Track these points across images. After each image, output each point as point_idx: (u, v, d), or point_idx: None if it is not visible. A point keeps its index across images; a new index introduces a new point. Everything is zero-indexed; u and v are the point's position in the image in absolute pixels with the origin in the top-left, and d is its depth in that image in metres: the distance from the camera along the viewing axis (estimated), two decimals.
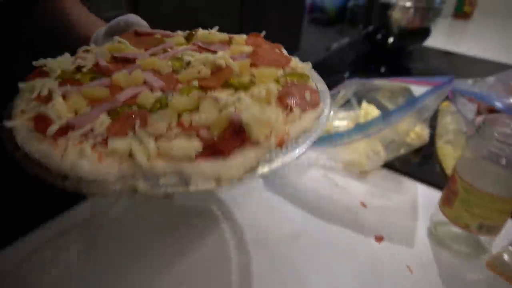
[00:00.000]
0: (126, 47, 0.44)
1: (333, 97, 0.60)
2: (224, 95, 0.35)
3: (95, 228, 0.49)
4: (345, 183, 0.58)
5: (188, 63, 0.40)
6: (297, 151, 0.31)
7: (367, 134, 0.50)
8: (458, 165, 0.44)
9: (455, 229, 0.45)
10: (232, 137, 0.30)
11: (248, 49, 0.44)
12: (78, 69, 0.39)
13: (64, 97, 0.33)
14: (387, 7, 1.01)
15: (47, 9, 0.54)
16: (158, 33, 0.49)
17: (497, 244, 0.46)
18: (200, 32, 0.49)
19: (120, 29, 0.51)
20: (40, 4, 0.47)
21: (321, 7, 4.46)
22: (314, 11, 4.53)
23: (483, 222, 0.43)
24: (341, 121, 0.65)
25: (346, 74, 1.03)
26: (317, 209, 0.53)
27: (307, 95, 0.37)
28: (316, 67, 0.43)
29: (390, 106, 0.66)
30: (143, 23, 0.52)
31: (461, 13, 1.62)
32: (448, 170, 0.61)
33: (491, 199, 0.41)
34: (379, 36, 1.08)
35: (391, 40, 1.06)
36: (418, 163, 0.63)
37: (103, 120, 0.31)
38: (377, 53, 1.15)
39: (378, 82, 0.55)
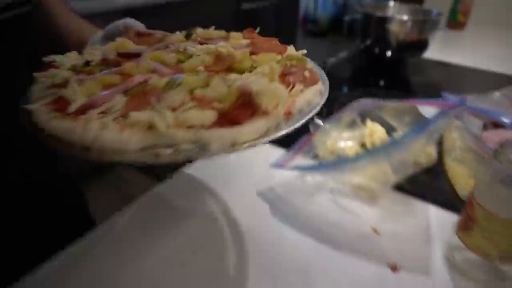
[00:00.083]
0: (130, 45, 0.47)
1: (340, 121, 0.57)
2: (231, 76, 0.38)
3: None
4: (355, 207, 0.55)
5: (191, 56, 0.43)
6: (303, 120, 0.35)
7: (377, 159, 0.48)
8: (475, 191, 0.43)
9: (474, 255, 0.43)
10: (243, 107, 0.32)
11: (246, 41, 0.48)
12: (87, 63, 0.41)
13: (78, 84, 0.36)
14: (384, 20, 1.01)
15: (39, 21, 0.54)
16: (158, 33, 0.52)
17: None
18: (199, 30, 0.53)
19: (119, 32, 0.53)
20: (32, 17, 0.48)
21: (314, 18, 4.51)
22: (306, 23, 4.57)
23: (506, 251, 0.41)
24: (346, 142, 0.63)
25: (345, 89, 1.02)
26: (326, 237, 0.51)
27: (306, 73, 0.41)
28: None
29: (395, 124, 0.65)
30: (141, 25, 0.55)
31: (455, 23, 1.62)
32: (459, 190, 0.59)
33: None
34: (376, 50, 1.07)
35: (389, 53, 1.05)
36: (428, 183, 0.61)
37: (120, 99, 0.34)
38: (375, 66, 1.14)
39: (387, 103, 0.53)
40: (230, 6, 2.39)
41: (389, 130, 0.67)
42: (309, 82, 0.40)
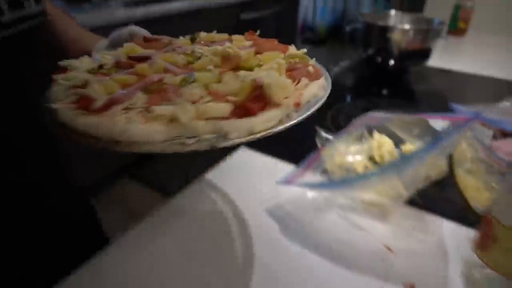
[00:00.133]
0: (139, 50, 0.49)
1: (349, 135, 0.56)
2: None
3: None
4: (365, 224, 0.54)
5: (199, 57, 0.45)
6: (311, 110, 0.38)
7: (388, 176, 0.46)
8: (494, 208, 0.41)
9: (494, 273, 0.42)
10: (256, 99, 0.35)
11: (249, 43, 0.51)
12: (100, 67, 0.43)
13: (99, 84, 0.37)
14: (386, 30, 1.00)
15: (45, 34, 0.55)
16: (164, 38, 0.54)
17: None
18: (202, 34, 0.56)
19: (124, 39, 0.55)
20: (40, 31, 0.49)
21: (312, 27, 4.53)
22: (305, 31, 4.59)
23: None
24: (354, 156, 0.62)
25: (349, 99, 1.01)
26: (337, 255, 0.49)
27: (310, 69, 0.45)
28: None
29: (404, 136, 0.64)
30: (145, 32, 0.57)
31: (456, 30, 1.62)
32: (471, 202, 0.58)
33: None
34: (379, 59, 1.07)
35: (391, 62, 1.05)
36: (439, 197, 0.59)
37: (141, 95, 0.36)
38: (377, 75, 1.13)
39: (397, 117, 0.51)
40: (230, 16, 2.40)
41: (397, 142, 0.66)
42: (313, 77, 0.44)
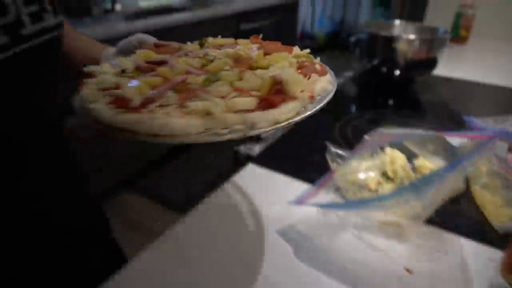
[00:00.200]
0: (153, 55, 0.52)
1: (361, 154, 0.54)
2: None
3: None
4: (383, 244, 0.52)
5: (212, 60, 0.49)
6: (324, 102, 0.42)
7: (407, 198, 0.44)
8: None
9: None
10: (276, 93, 0.40)
11: (256, 45, 0.55)
12: (123, 71, 0.47)
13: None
14: (391, 40, 0.99)
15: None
16: (173, 44, 0.57)
17: None
18: (210, 39, 0.59)
19: (133, 47, 0.57)
20: (59, 42, 0.51)
21: (311, 35, 4.55)
22: (304, 39, 4.61)
23: None
24: (367, 172, 0.60)
25: (355, 110, 0.99)
26: (353, 278, 0.47)
27: (317, 66, 0.49)
28: None
29: (417, 150, 0.62)
30: (153, 39, 0.59)
31: (458, 37, 1.61)
32: (490, 219, 0.56)
33: None
34: (384, 69, 1.05)
35: (397, 72, 1.03)
36: (456, 214, 0.57)
37: (171, 94, 0.40)
38: (383, 85, 1.12)
39: (412, 135, 0.49)
40: (230, 27, 2.40)
41: (410, 156, 0.64)
42: (321, 73, 0.48)
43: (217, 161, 2.30)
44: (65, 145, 0.56)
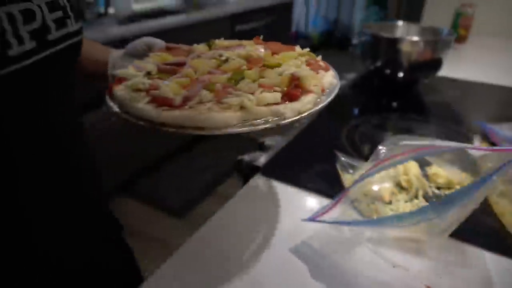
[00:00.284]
0: (169, 57, 0.56)
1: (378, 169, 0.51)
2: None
3: None
4: (401, 260, 0.49)
5: (226, 60, 0.53)
6: (334, 94, 0.49)
7: (427, 218, 0.42)
8: None
9: None
10: (296, 88, 0.46)
11: (260, 46, 0.59)
12: (148, 73, 0.51)
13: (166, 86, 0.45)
14: (395, 41, 0.97)
15: None
16: (183, 46, 0.61)
17: None
18: (217, 41, 0.62)
19: (142, 50, 0.59)
20: (80, 46, 0.52)
21: (305, 35, 4.54)
22: (298, 39, 4.59)
23: None
24: (380, 183, 0.57)
25: (359, 114, 0.97)
26: None
27: (322, 63, 0.56)
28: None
29: (431, 160, 0.59)
30: (161, 41, 0.61)
31: (457, 37, 1.60)
32: (510, 229, 0.53)
33: None
34: (387, 71, 1.03)
35: (401, 74, 1.01)
36: (476, 224, 0.55)
37: (204, 92, 0.44)
38: (386, 88, 1.10)
39: (435, 147, 0.46)
40: (225, 28, 2.37)
41: (422, 164, 0.62)
42: (326, 69, 0.55)
43: (213, 165, 2.27)
44: (86, 142, 0.57)
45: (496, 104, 1.04)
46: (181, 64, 0.52)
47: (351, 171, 0.62)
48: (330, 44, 4.32)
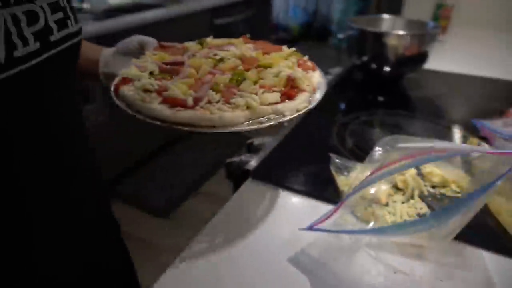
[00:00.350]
0: (167, 57, 0.57)
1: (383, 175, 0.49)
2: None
3: None
4: (401, 265, 0.48)
5: (221, 60, 0.56)
6: (323, 92, 0.54)
7: (429, 227, 0.40)
8: None
9: None
10: (291, 88, 0.51)
11: (250, 46, 0.62)
12: (151, 73, 0.53)
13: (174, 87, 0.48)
14: (381, 35, 0.95)
15: None
16: (176, 44, 0.62)
17: None
18: (208, 39, 0.65)
19: (134, 48, 0.61)
20: (79, 46, 0.52)
21: (285, 27, 4.51)
22: (278, 31, 4.56)
23: None
24: (377, 186, 0.56)
25: (347, 110, 0.95)
26: None
27: (309, 63, 0.60)
28: None
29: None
30: (153, 40, 0.62)
31: None
32: (507, 227, 0.53)
33: None
34: (373, 66, 1.02)
35: (387, 68, 1.00)
36: (474, 226, 0.54)
37: (211, 92, 0.47)
38: (372, 82, 1.08)
39: (428, 145, 0.44)
40: (204, 22, 2.32)
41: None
42: (313, 69, 0.59)
43: (196, 162, 2.24)
44: (86, 142, 0.56)
45: (481, 97, 1.04)
46: (180, 63, 0.55)
47: (345, 173, 0.61)
48: (309, 35, 4.31)
